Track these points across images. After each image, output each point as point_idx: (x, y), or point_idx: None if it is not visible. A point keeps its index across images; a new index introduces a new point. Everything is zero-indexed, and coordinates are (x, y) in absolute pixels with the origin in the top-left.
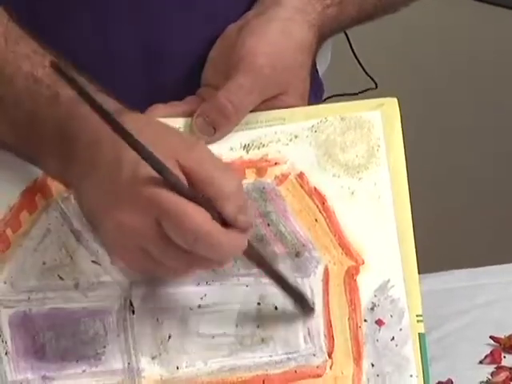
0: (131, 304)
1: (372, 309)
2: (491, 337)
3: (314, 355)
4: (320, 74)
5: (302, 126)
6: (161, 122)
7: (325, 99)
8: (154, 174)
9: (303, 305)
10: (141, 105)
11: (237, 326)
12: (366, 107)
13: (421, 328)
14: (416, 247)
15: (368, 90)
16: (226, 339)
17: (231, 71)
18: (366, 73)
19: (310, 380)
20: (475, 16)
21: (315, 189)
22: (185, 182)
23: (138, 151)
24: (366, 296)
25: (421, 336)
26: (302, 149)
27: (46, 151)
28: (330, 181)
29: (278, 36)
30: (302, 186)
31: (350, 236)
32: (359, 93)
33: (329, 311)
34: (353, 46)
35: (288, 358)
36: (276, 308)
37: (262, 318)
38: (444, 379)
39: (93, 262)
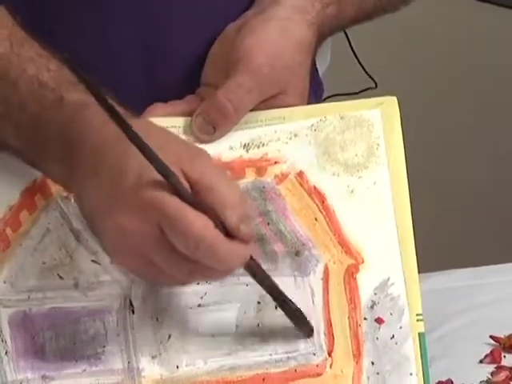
0: (131, 303)
1: (372, 307)
2: (491, 336)
3: (314, 354)
4: (320, 73)
5: (301, 125)
6: (166, 130)
7: (325, 98)
8: (159, 178)
9: (302, 324)
10: (141, 104)
11: (237, 325)
12: (365, 106)
13: (421, 327)
14: (416, 246)
15: (368, 89)
16: (225, 338)
17: (231, 70)
18: (366, 72)
19: (310, 379)
20: (475, 15)
21: (315, 188)
22: (189, 189)
23: (144, 153)
24: (365, 294)
25: (421, 335)
26: (302, 148)
27: (50, 154)
28: (329, 180)
29: (277, 35)
30: (301, 185)
31: (350, 234)
32: (359, 92)
33: (329, 310)
34: (352, 45)
35: (288, 357)
36: (276, 307)
37: (261, 317)
38: (444, 378)
39: (92, 261)
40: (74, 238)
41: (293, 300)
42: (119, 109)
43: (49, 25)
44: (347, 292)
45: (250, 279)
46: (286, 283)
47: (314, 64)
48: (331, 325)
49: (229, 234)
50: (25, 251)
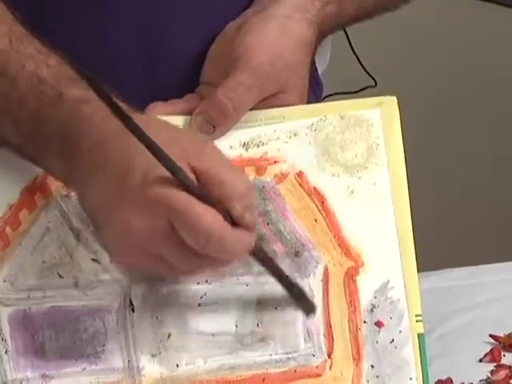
0: (131, 302)
1: (372, 310)
2: (491, 335)
3: (314, 355)
4: (319, 72)
5: (301, 124)
6: (170, 124)
7: (324, 97)
8: (165, 175)
9: (305, 304)
10: (140, 103)
11: (237, 325)
12: (365, 106)
13: (420, 328)
14: (416, 245)
15: (367, 88)
16: (225, 338)
17: (230, 69)
18: (366, 71)
19: (310, 380)
20: (475, 14)
21: (314, 188)
22: (196, 183)
23: (150, 149)
24: (365, 297)
25: (420, 336)
26: (302, 147)
27: (50, 151)
28: (329, 180)
29: (277, 34)
30: (301, 186)
31: (350, 236)
32: (358, 91)
33: (328, 312)
34: (352, 44)
35: (288, 358)
36: (276, 307)
37: (261, 317)
38: (444, 377)
39: (92, 260)
40: (74, 236)
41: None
42: (122, 105)
43: (49, 25)
44: (347, 294)
45: (249, 279)
46: None
47: (313, 63)
48: (331, 326)
49: (234, 222)
50: (24, 250)
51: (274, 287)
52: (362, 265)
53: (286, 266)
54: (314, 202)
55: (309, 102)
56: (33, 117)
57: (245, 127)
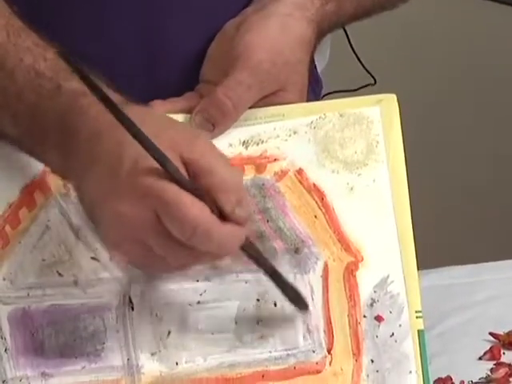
0: (130, 300)
1: (371, 305)
2: (490, 333)
3: (314, 351)
4: (319, 70)
5: (300, 122)
6: (163, 115)
7: (324, 95)
8: (155, 165)
9: (299, 303)
10: (140, 101)
11: (236, 322)
12: (364, 103)
13: (420, 325)
14: (416, 243)
15: (367, 86)
16: (225, 335)
17: (230, 67)
18: (365, 69)
19: (310, 376)
20: (475, 13)
21: (314, 185)
22: (185, 174)
23: (139, 141)
24: (365, 292)
25: (420, 333)
26: (301, 145)
27: (48, 144)
28: (329, 177)
29: (276, 32)
30: (301, 182)
31: (350, 232)
32: (358, 89)
33: (328, 307)
34: (352, 42)
35: (287, 355)
36: (275, 304)
37: (261, 315)
38: (443, 375)
39: (92, 258)
40: (74, 235)
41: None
42: (115, 96)
43: (47, 22)
44: (347, 290)
45: (249, 276)
46: None
47: (312, 61)
48: (331, 322)
49: (224, 217)
50: (24, 248)
51: (273, 284)
52: (362, 260)
53: (285, 262)
54: (314, 199)
55: (308, 100)
56: (31, 110)
57: (244, 125)
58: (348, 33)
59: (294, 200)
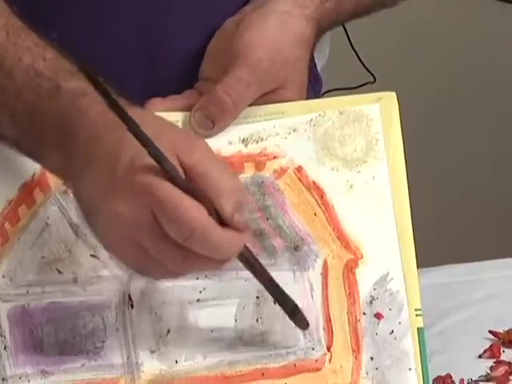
0: (130, 298)
1: (371, 302)
2: (490, 331)
3: (313, 349)
4: (318, 68)
5: (300, 120)
6: (163, 118)
7: (323, 93)
8: (152, 163)
9: (297, 317)
10: (140, 99)
11: (236, 319)
12: (364, 101)
13: (420, 322)
14: (416, 241)
15: (366, 84)
16: (224, 333)
17: (229, 65)
18: (365, 67)
19: (310, 374)
20: (475, 11)
21: (314, 182)
22: (183, 176)
23: (139, 139)
24: (364, 289)
25: (420, 330)
26: (301, 143)
27: (47, 143)
28: (328, 174)
29: (276, 29)
30: (300, 180)
31: (349, 229)
32: (357, 87)
33: (328, 305)
34: (351, 40)
35: (287, 352)
36: (275, 302)
37: (260, 312)
38: (443, 373)
39: (91, 255)
40: (73, 232)
41: (291, 295)
42: (120, 99)
43: (47, 21)
44: (346, 287)
45: (248, 274)
46: (284, 278)
47: (312, 59)
48: (330, 320)
49: (223, 222)
50: (23, 246)
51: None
52: (362, 257)
53: (285, 259)
54: (314, 196)
55: (308, 98)
56: (29, 110)
57: (244, 123)
58: (348, 31)
59: (293, 198)
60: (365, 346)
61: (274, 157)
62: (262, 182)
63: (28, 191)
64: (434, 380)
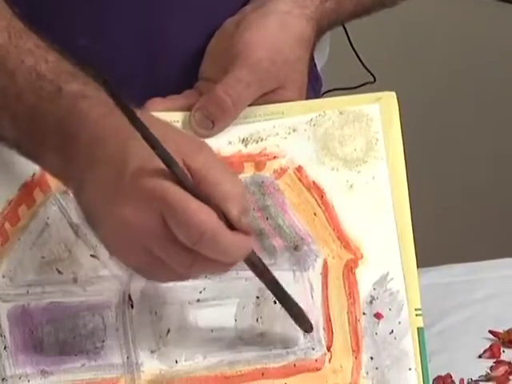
0: (130, 298)
1: (371, 302)
2: (490, 331)
3: (313, 349)
4: (318, 68)
5: (300, 120)
6: (167, 123)
7: (323, 93)
8: (160, 168)
9: (301, 320)
10: (140, 99)
11: (236, 319)
12: (364, 101)
13: (420, 322)
14: (416, 241)
15: (366, 84)
16: (225, 333)
17: (229, 65)
18: (365, 67)
19: (309, 373)
20: (474, 10)
21: (314, 182)
22: (191, 180)
23: (148, 142)
24: (364, 289)
25: (420, 330)
26: (301, 142)
27: (47, 145)
28: (328, 174)
29: (276, 29)
30: (300, 180)
31: (349, 229)
32: (357, 87)
33: (328, 305)
34: (351, 40)
35: (287, 352)
36: (275, 302)
37: (261, 312)
38: (443, 373)
39: (91, 256)
40: (73, 232)
41: (291, 294)
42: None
43: (47, 20)
44: (346, 287)
45: (249, 274)
46: (284, 278)
47: (312, 59)
48: (330, 320)
49: (231, 226)
50: (23, 245)
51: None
52: (362, 257)
53: (285, 259)
54: (314, 196)
55: (308, 98)
56: (30, 111)
57: (244, 123)
58: (347, 31)
59: (293, 197)
60: (365, 346)
61: (274, 157)
62: (262, 181)
63: (28, 191)
64: (434, 380)
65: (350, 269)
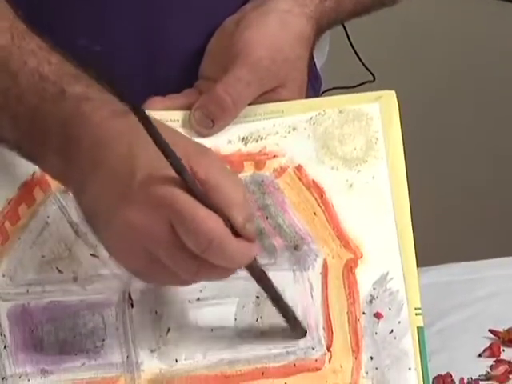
0: (130, 297)
1: (371, 302)
2: (490, 330)
3: (313, 348)
4: (318, 66)
5: (300, 119)
6: (172, 128)
7: (323, 92)
8: (169, 175)
9: (296, 327)
10: (140, 99)
11: (236, 319)
12: (364, 100)
13: (419, 321)
14: (416, 240)
15: (366, 83)
16: (224, 332)
17: (229, 64)
18: (364, 66)
19: (309, 373)
20: (474, 9)
21: (314, 181)
22: (200, 188)
23: (160, 148)
24: (364, 289)
25: (419, 329)
26: (301, 141)
27: (48, 146)
28: (328, 173)
29: (276, 28)
30: (300, 179)
31: (349, 229)
32: (357, 86)
33: (327, 304)
34: (351, 38)
35: (287, 352)
36: None
37: (260, 312)
38: (443, 372)
39: (91, 255)
40: (73, 231)
41: (291, 295)
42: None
43: (47, 20)
44: (346, 287)
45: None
46: (284, 277)
47: (312, 57)
48: (330, 319)
49: (236, 233)
50: (23, 244)
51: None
52: (361, 257)
53: (284, 259)
54: (313, 195)
55: (308, 97)
56: (31, 113)
57: (244, 122)
58: (347, 29)
59: (293, 197)
60: (364, 346)
61: (274, 156)
62: (262, 180)
63: (28, 190)
64: (434, 379)
65: (349, 268)
